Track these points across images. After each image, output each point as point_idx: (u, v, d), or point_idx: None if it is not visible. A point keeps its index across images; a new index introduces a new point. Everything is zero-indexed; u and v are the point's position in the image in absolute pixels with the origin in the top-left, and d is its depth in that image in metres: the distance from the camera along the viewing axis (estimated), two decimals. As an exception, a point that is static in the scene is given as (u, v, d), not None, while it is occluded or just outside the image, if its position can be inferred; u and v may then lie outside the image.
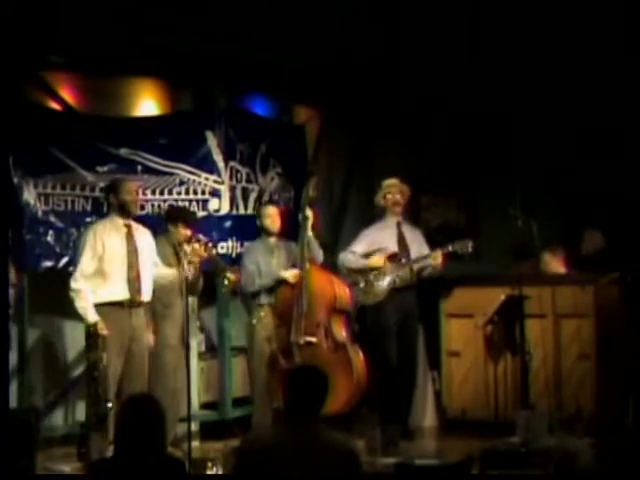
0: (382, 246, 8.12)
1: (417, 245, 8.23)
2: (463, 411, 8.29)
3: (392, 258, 8.11)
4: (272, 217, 7.74)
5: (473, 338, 8.22)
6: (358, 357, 7.58)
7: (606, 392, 7.68)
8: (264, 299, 7.66)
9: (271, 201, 8.32)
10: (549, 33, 8.55)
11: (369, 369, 7.61)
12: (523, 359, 7.63)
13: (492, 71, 9.16)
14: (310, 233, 7.72)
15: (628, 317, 8.09)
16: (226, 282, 7.28)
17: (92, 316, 6.69)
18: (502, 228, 8.53)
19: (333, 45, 8.44)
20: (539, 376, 7.80)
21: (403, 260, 8.09)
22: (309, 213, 7.71)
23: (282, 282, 7.64)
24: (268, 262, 7.69)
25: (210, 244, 7.28)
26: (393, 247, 8.16)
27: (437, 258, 8.02)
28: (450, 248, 8.05)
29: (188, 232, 7.21)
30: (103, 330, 6.65)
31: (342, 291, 7.74)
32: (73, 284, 6.76)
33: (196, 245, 6.96)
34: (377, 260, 8.06)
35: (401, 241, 8.21)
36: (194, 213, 7.87)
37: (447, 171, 10.17)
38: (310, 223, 7.71)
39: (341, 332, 7.68)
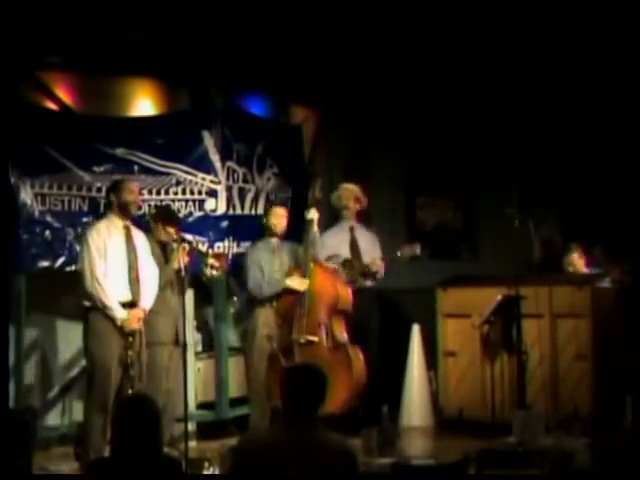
0: (336, 252, 8.15)
1: (370, 250, 8.23)
2: (460, 411, 8.29)
3: (346, 264, 8.12)
4: (280, 218, 7.77)
5: (470, 338, 8.22)
6: (358, 357, 7.60)
7: (603, 392, 7.68)
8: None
9: (276, 202, 8.34)
10: (545, 34, 8.58)
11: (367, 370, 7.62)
12: (520, 359, 7.63)
13: (488, 72, 9.18)
14: (316, 230, 7.74)
15: (624, 317, 8.10)
16: (208, 270, 7.25)
17: (120, 313, 6.68)
18: (499, 228, 8.55)
19: (330, 45, 8.45)
20: (536, 376, 7.81)
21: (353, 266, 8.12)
22: (315, 214, 7.73)
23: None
24: (271, 263, 7.71)
25: (193, 243, 7.34)
26: (346, 252, 8.19)
27: (376, 264, 8.07)
28: (398, 254, 8.08)
29: (173, 231, 7.18)
30: (132, 325, 6.69)
31: (344, 292, 7.77)
32: (97, 285, 6.67)
33: (182, 245, 6.97)
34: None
35: (353, 246, 8.25)
36: (177, 212, 7.81)
37: (443, 171, 10.19)
38: (315, 224, 7.73)
39: (342, 332, 7.70)
